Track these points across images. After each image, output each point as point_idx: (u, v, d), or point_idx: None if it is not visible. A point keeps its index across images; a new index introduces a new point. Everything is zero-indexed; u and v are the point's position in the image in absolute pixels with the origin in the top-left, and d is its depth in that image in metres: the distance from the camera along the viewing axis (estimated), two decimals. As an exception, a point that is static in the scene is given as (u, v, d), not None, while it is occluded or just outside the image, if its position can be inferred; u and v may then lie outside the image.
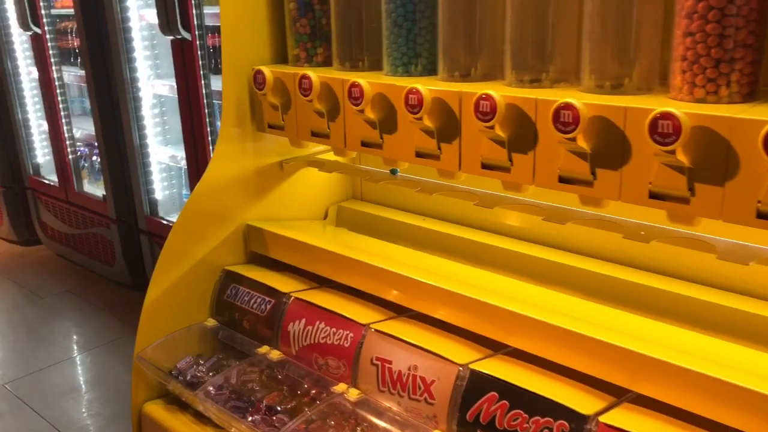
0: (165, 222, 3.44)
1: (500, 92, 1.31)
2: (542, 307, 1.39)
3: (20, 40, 4.08)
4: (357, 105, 1.55)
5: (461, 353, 1.42)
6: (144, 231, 3.55)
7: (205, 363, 1.80)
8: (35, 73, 4.07)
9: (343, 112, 1.64)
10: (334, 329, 1.60)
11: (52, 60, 3.78)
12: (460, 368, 1.37)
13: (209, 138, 3.08)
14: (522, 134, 1.32)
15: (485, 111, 1.30)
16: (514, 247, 1.69)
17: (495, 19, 1.46)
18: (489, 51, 1.50)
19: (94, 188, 3.95)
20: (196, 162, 3.13)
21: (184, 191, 3.52)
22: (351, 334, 1.56)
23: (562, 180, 1.27)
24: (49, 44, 3.75)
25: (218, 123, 3.16)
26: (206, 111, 3.05)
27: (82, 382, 3.06)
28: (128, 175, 3.53)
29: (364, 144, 1.62)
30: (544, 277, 1.60)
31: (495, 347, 1.45)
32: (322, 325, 1.62)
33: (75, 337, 3.45)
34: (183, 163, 3.28)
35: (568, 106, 1.20)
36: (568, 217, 1.46)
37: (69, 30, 3.81)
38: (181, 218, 1.85)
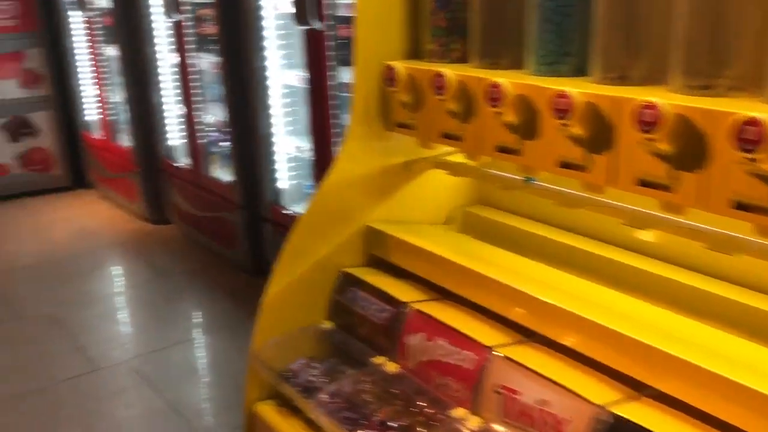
0: (287, 212, 3.46)
1: (667, 100, 1.13)
2: (698, 347, 1.20)
3: (164, 27, 4.24)
4: (495, 106, 1.42)
5: (599, 392, 1.27)
6: (267, 219, 3.59)
7: (319, 366, 1.75)
8: (174, 59, 4.21)
9: (480, 114, 1.51)
10: (455, 348, 1.48)
11: (190, 46, 3.90)
12: (599, 410, 1.21)
13: (335, 130, 3.05)
14: (690, 150, 1.13)
15: (649, 121, 1.13)
16: (669, 274, 1.49)
17: (661, 14, 1.28)
18: (651, 50, 1.31)
19: (223, 173, 4.05)
20: (321, 154, 3.11)
21: (308, 182, 3.52)
22: (474, 357, 1.44)
23: (740, 207, 1.08)
24: (188, 31, 3.86)
25: (344, 116, 3.12)
26: (333, 103, 3.01)
27: (199, 365, 3.13)
28: (255, 163, 3.57)
29: (500, 149, 1.48)
30: (702, 310, 1.40)
31: (637, 387, 1.28)
32: (443, 342, 1.52)
33: (196, 318, 3.55)
34: (308, 154, 3.28)
35: (753, 122, 1.01)
36: (740, 247, 1.26)
37: (207, 17, 3.90)
38: (306, 215, 1.80)
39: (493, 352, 1.42)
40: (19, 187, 5.33)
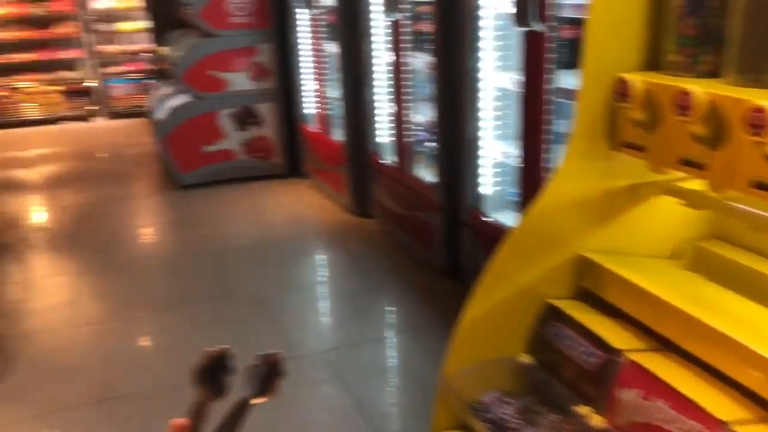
0: (487, 219, 3.33)
1: None
2: None
3: (382, 25, 4.30)
4: (758, 134, 1.17)
5: None
6: (466, 223, 3.49)
7: (513, 403, 1.61)
8: (390, 58, 4.26)
9: (734, 142, 1.27)
10: (678, 415, 1.26)
11: (406, 45, 3.90)
12: None
13: (547, 137, 2.86)
14: None
15: None
16: None
17: None
18: None
19: (426, 173, 4.02)
20: (530, 162, 2.94)
21: (512, 190, 3.36)
22: (703, 431, 1.21)
23: None
24: (404, 29, 3.87)
25: (558, 123, 2.92)
26: (548, 109, 2.82)
27: (389, 366, 3.13)
28: (459, 166, 3.49)
29: (758, 186, 1.23)
30: None
31: None
32: (663, 404, 1.30)
33: (390, 316, 3.56)
34: (515, 161, 3.12)
35: None
36: None
37: (425, 15, 3.88)
38: (513, 236, 1.66)
39: (730, 429, 1.18)
40: (243, 172, 5.77)
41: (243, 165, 5.76)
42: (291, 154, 5.82)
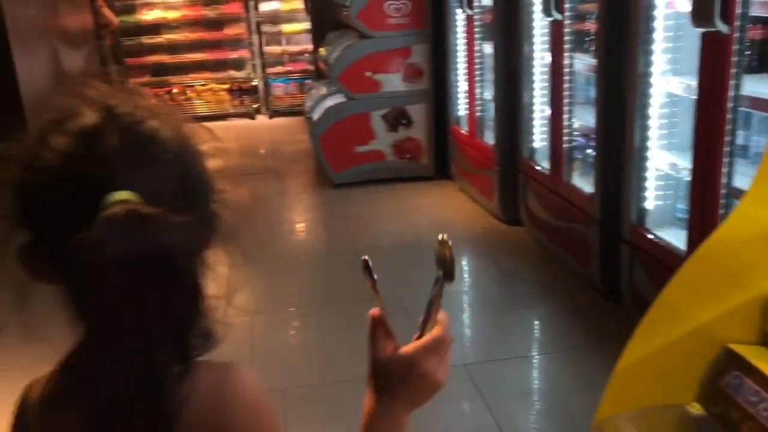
0: (650, 236, 3.06)
1: None
2: None
3: (540, 26, 4.11)
4: None
5: None
6: (626, 240, 3.23)
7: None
8: (547, 59, 4.06)
9: None
10: None
11: (566, 46, 3.69)
12: None
13: (725, 150, 2.55)
14: None
15: None
16: None
17: None
18: None
19: (583, 183, 3.78)
20: (703, 176, 2.64)
21: (679, 205, 3.06)
22: None
23: None
24: (566, 30, 3.65)
25: (741, 135, 2.60)
26: (729, 118, 2.52)
27: (534, 388, 2.97)
28: (620, 177, 3.23)
29: None
30: None
31: None
32: None
33: (537, 333, 3.39)
34: (684, 174, 2.83)
35: None
36: None
37: (589, 14, 3.64)
38: (686, 269, 1.47)
39: None
40: (391, 172, 5.79)
41: (392, 166, 5.78)
42: (439, 155, 5.76)
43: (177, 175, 0.72)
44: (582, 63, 3.73)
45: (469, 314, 3.68)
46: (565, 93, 3.79)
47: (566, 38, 3.69)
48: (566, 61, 3.74)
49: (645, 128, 3.07)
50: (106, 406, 0.66)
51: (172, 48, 9.15)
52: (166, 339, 0.67)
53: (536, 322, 3.49)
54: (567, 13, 3.64)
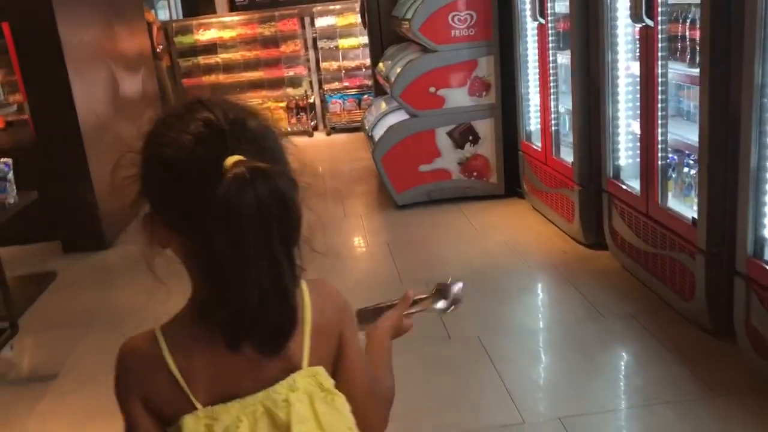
0: (774, 269, 2.64)
1: None
2: None
3: (626, 32, 3.73)
4: None
5: None
6: (740, 273, 2.82)
7: None
8: (633, 69, 3.69)
9: None
10: None
11: (660, 54, 3.30)
12: None
13: None
14: None
15: None
16: None
17: None
18: None
19: (681, 206, 3.38)
20: None
21: (809, 234, 2.64)
22: None
23: None
24: (659, 37, 3.27)
25: None
26: None
27: (638, 449, 2.59)
28: (733, 200, 2.83)
29: None
30: None
31: None
32: None
33: (638, 379, 2.99)
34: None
35: None
36: None
37: (686, 19, 3.26)
38: None
39: None
40: (458, 192, 5.47)
41: (458, 185, 5.46)
42: (509, 173, 5.41)
43: (267, 147, 0.96)
44: (676, 72, 3.34)
45: (556, 355, 3.30)
46: (659, 105, 3.40)
47: (660, 45, 3.30)
48: (659, 70, 3.35)
49: (765, 146, 2.66)
50: (249, 317, 0.91)
51: (229, 67, 9.07)
52: (284, 257, 0.92)
53: (634, 367, 3.10)
54: (660, 18, 3.26)
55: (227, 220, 0.86)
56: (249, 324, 0.91)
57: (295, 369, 1.00)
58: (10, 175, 3.36)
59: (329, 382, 1.03)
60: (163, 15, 9.23)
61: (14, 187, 3.39)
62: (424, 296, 1.36)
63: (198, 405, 0.96)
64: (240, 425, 0.95)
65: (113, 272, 4.81)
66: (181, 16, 9.89)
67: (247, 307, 0.90)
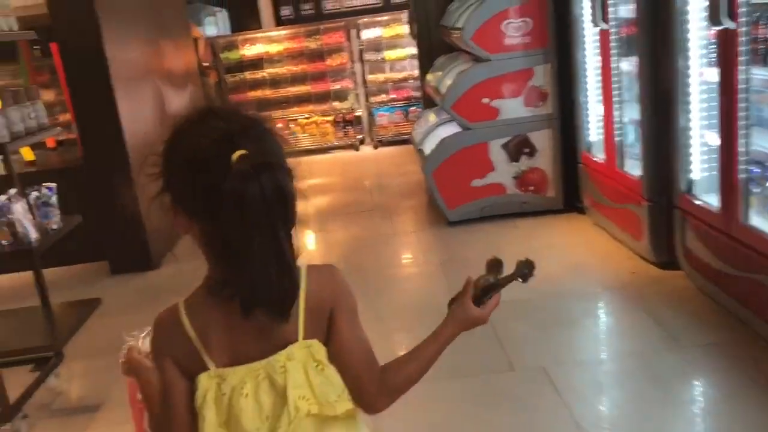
0: None
1: None
2: None
3: (700, 36, 3.45)
4: None
5: None
6: None
7: None
8: (707, 75, 3.40)
9: None
10: None
11: (741, 58, 3.02)
12: None
13: None
14: None
15: None
16: None
17: None
18: None
19: (766, 224, 3.07)
20: None
21: None
22: None
23: None
24: (740, 39, 2.99)
25: None
26: None
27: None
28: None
29: None
30: None
31: None
32: None
33: (722, 418, 2.69)
34: None
35: None
36: None
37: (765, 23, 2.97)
38: None
39: None
40: (513, 207, 5.22)
41: (514, 200, 5.21)
42: (568, 187, 5.13)
43: (268, 145, 1.15)
44: (761, 78, 3.05)
45: (626, 391, 2.99)
46: (740, 114, 3.11)
47: (741, 49, 3.02)
48: (741, 76, 3.06)
49: None
50: (258, 287, 1.11)
51: (275, 82, 9.00)
52: (285, 236, 1.12)
53: (719, 404, 2.80)
54: (742, 20, 2.98)
55: (236, 208, 1.05)
56: (260, 294, 1.11)
57: (293, 341, 1.18)
58: (54, 200, 3.27)
59: (321, 353, 1.20)
60: (211, 31, 9.22)
61: (58, 212, 3.30)
62: (484, 275, 1.39)
63: (211, 365, 1.17)
64: (245, 386, 1.16)
65: (160, 295, 4.70)
66: (228, 32, 9.88)
67: (256, 280, 1.09)
